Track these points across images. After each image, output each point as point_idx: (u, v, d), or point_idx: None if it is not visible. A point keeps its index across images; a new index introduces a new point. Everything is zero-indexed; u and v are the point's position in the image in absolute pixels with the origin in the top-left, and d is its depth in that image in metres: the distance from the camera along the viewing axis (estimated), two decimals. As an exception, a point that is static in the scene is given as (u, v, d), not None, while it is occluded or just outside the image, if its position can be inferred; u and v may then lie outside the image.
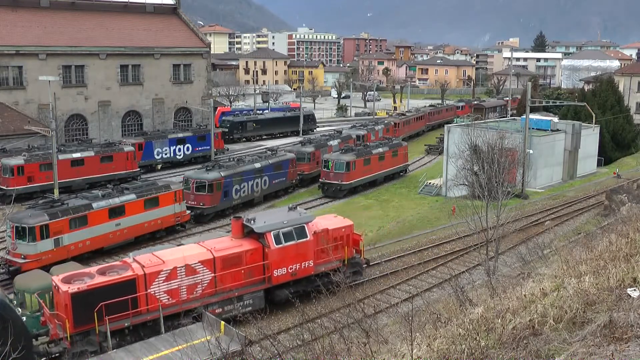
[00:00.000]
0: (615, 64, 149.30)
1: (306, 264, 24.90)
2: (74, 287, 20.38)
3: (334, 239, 26.12)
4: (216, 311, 22.66)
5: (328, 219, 28.13)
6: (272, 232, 23.86)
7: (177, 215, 39.00)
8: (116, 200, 35.41)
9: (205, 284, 22.87)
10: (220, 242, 24.44)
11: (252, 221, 24.05)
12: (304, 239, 24.60)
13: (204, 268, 22.80)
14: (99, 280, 20.81)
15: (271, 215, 25.67)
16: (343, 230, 26.74)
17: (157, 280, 21.82)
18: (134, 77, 66.46)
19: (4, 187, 44.70)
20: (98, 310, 20.13)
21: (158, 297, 21.83)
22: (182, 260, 22.54)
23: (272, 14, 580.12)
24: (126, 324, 21.01)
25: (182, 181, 43.08)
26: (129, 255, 23.48)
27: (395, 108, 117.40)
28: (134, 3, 71.20)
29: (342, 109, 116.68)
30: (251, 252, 23.80)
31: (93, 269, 22.35)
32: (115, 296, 20.64)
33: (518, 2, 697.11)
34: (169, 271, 22.08)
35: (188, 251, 23.67)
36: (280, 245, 23.95)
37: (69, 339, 20.13)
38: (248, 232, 24.43)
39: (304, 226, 24.72)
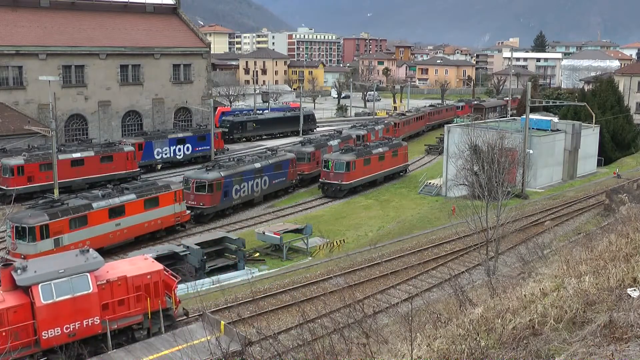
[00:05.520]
0: (615, 64, 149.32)
1: (89, 322, 20.56)
2: None
3: (136, 287, 21.84)
4: None
5: (134, 262, 23.74)
6: (39, 285, 19.72)
7: (177, 215, 39.03)
8: (116, 200, 35.45)
9: None
10: None
11: (19, 271, 19.97)
12: (85, 291, 20.40)
13: None
14: None
15: (50, 262, 21.42)
16: (149, 277, 22.06)
17: None
18: (134, 77, 66.48)
19: (4, 187, 44.73)
20: None
21: None
22: None
23: (272, 14, 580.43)
24: None
25: (182, 181, 43.13)
26: None
27: (395, 108, 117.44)
28: (134, 3, 71.23)
29: (342, 109, 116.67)
30: (15, 310, 19.52)
31: None
32: None
33: (518, 2, 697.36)
34: None
35: None
36: (50, 301, 19.78)
37: None
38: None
39: (86, 275, 20.52)
